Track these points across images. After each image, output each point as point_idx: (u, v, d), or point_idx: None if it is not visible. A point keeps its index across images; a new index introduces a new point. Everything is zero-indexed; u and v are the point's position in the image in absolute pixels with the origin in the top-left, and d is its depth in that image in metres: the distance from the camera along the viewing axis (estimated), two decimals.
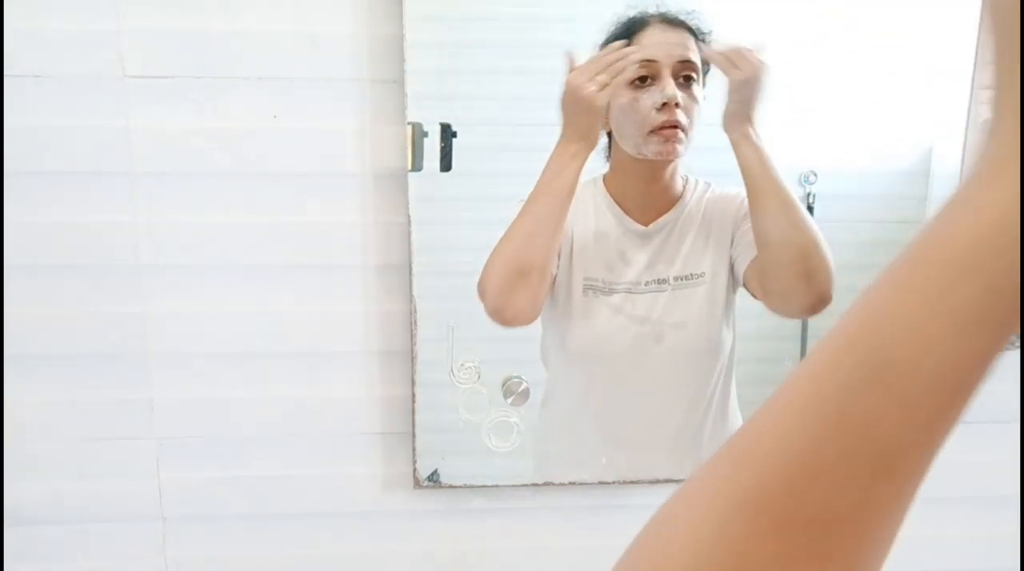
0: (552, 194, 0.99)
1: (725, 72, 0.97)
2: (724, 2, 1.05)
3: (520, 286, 0.99)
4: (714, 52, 0.98)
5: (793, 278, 1.01)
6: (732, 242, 1.07)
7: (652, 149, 1.00)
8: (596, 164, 1.06)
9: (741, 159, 0.99)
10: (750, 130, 0.98)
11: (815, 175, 1.10)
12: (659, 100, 0.98)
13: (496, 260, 1.00)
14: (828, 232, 1.11)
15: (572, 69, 0.97)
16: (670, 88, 0.97)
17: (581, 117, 0.97)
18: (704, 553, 0.28)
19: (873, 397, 0.27)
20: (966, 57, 1.06)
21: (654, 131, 0.99)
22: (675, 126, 0.99)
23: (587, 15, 1.04)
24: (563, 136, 0.99)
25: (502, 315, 1.01)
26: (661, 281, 1.07)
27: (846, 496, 0.27)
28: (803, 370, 0.29)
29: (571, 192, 0.99)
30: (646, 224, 1.07)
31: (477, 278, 1.01)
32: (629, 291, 1.07)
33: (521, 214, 1.00)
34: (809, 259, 1.00)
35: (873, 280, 0.29)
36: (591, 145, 0.98)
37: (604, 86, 0.95)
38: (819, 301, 1.03)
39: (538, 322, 1.10)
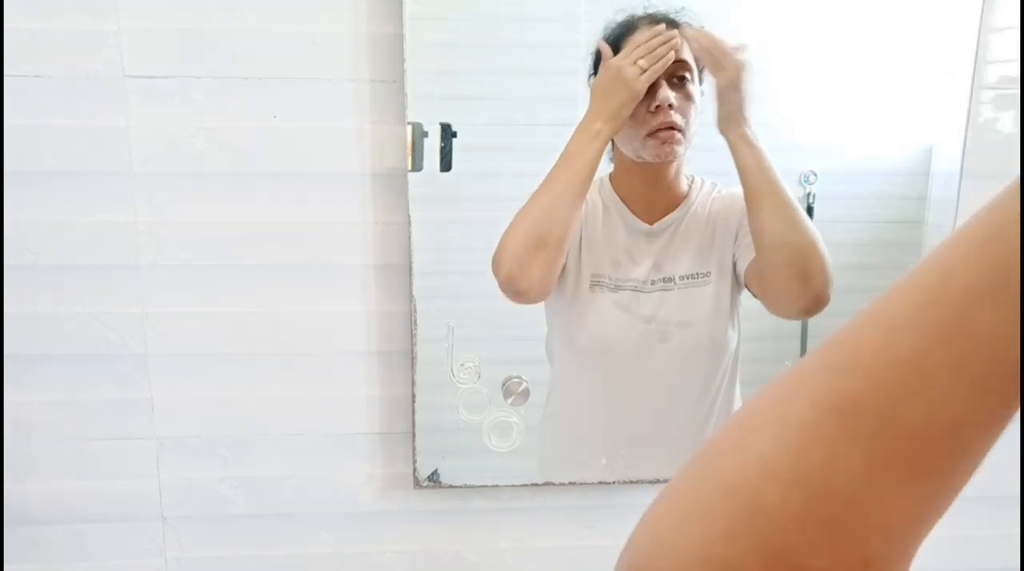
0: (573, 169, 0.99)
1: (712, 72, 0.97)
2: (724, 3, 1.05)
3: (536, 258, 1.00)
4: (701, 48, 0.97)
5: (789, 279, 1.01)
6: (735, 240, 1.07)
7: (650, 152, 1.00)
8: (600, 164, 1.06)
9: (738, 160, 0.99)
10: (746, 130, 0.98)
11: (815, 175, 1.10)
12: (652, 103, 0.98)
13: (514, 231, 1.00)
14: (828, 232, 1.11)
15: (607, 57, 0.98)
16: (662, 91, 0.97)
17: (615, 98, 0.97)
18: (790, 454, 0.27)
19: (998, 304, 0.25)
20: (966, 57, 1.06)
21: (650, 134, 0.99)
22: (671, 128, 0.99)
23: (586, 15, 1.04)
24: (589, 113, 0.99)
25: (515, 285, 1.01)
26: (667, 280, 1.08)
27: (950, 410, 0.26)
28: (919, 278, 0.27)
29: (592, 169, 0.99)
30: (651, 223, 1.07)
31: (477, 278, 1.01)
32: (636, 289, 1.08)
33: (541, 187, 1.00)
34: (806, 260, 1.00)
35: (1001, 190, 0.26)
36: (616, 128, 0.98)
37: (644, 71, 0.96)
38: (816, 302, 1.03)
39: (544, 319, 1.11)
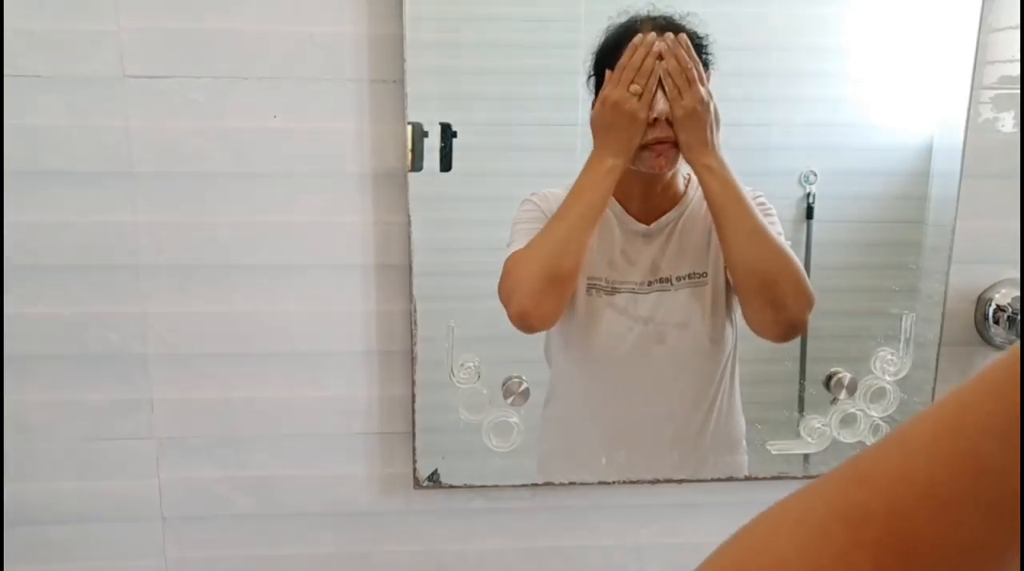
0: (586, 205, 0.99)
1: (669, 99, 0.95)
2: (723, 4, 1.04)
3: (550, 293, 1.00)
4: (667, 71, 0.95)
5: (761, 308, 1.02)
6: None
7: (645, 164, 1.00)
8: None
9: (704, 190, 0.99)
10: (710, 160, 0.97)
11: (815, 175, 1.10)
12: (650, 116, 0.96)
13: (527, 267, 1.00)
14: (828, 232, 1.11)
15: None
16: (660, 103, 0.96)
17: (622, 133, 0.96)
18: (801, 552, 0.29)
19: (1009, 444, 0.26)
20: (966, 57, 1.06)
21: (645, 146, 0.98)
22: (666, 141, 0.98)
23: (587, 15, 1.04)
24: (598, 149, 0.98)
25: (527, 321, 1.01)
26: (664, 281, 1.07)
27: (962, 535, 0.27)
28: (939, 409, 0.29)
29: (604, 203, 0.99)
30: (648, 223, 1.07)
31: (478, 278, 1.01)
32: (633, 291, 1.07)
33: (553, 223, 1.00)
34: (776, 289, 1.00)
35: None
36: (628, 160, 0.98)
37: (641, 95, 0.94)
38: (789, 330, 1.04)
39: None
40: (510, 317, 1.01)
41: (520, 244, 1.02)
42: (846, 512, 0.29)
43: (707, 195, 0.99)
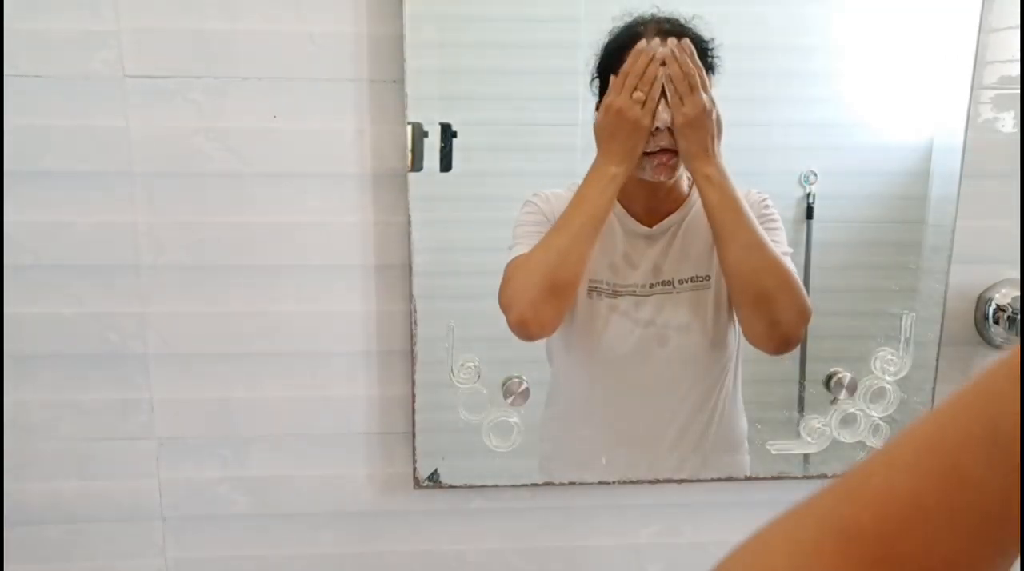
0: (588, 214, 0.98)
1: (672, 105, 0.95)
2: (723, 4, 1.04)
3: (551, 302, 1.00)
4: (670, 77, 0.94)
5: (755, 321, 1.02)
6: None
7: (648, 172, 1.00)
8: None
9: (703, 200, 0.98)
10: (710, 169, 0.96)
11: (815, 175, 1.10)
12: (653, 124, 0.96)
13: (528, 276, 1.00)
14: (828, 232, 1.11)
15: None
16: (663, 113, 0.95)
17: (624, 141, 0.96)
18: (793, 568, 0.30)
19: (989, 458, 0.27)
20: (966, 57, 1.06)
21: (648, 154, 0.98)
22: (669, 150, 0.98)
23: (587, 15, 1.04)
24: (602, 157, 0.97)
25: (527, 329, 1.02)
26: (666, 283, 1.07)
27: (945, 547, 0.28)
28: (921, 426, 0.30)
29: (607, 212, 0.99)
30: (651, 225, 1.06)
31: (478, 278, 1.01)
32: (634, 294, 1.07)
33: (555, 231, 1.00)
34: (772, 303, 1.00)
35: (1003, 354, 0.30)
36: (631, 167, 0.97)
37: (644, 103, 0.94)
38: (783, 344, 1.04)
39: None
40: (509, 325, 1.01)
41: (522, 248, 1.02)
42: (837, 528, 0.30)
43: (705, 205, 0.98)
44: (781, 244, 1.04)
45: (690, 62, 0.94)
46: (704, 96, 0.94)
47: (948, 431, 0.29)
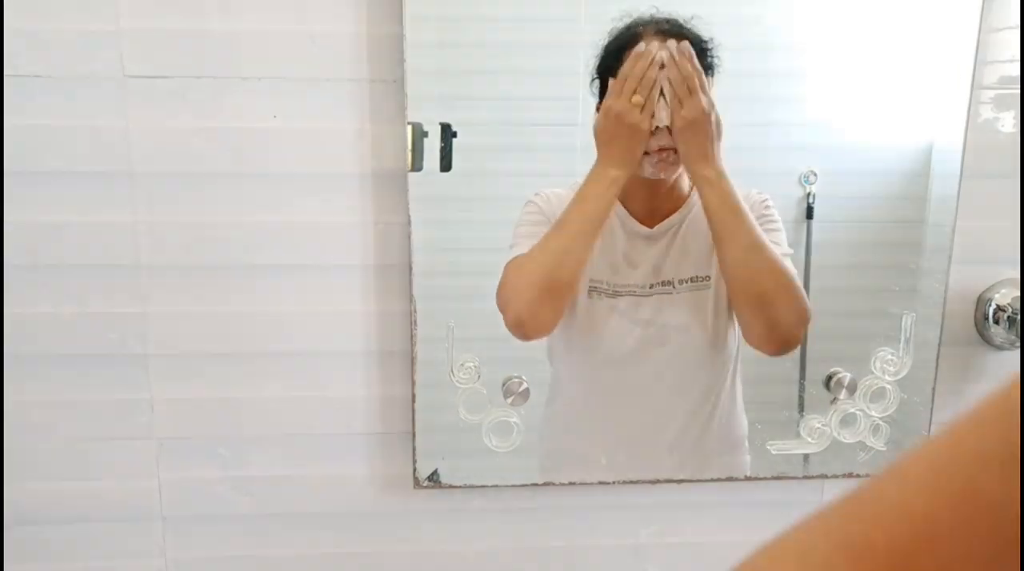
0: (587, 216, 0.99)
1: (671, 107, 0.95)
2: (723, 4, 1.04)
3: (548, 303, 1.01)
4: (669, 79, 0.95)
5: (755, 324, 1.03)
6: None
7: (647, 171, 1.00)
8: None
9: (703, 202, 0.99)
10: (710, 172, 0.97)
11: (815, 175, 1.10)
12: (652, 125, 0.96)
13: (525, 276, 1.00)
14: (828, 232, 1.11)
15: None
16: (662, 113, 0.96)
17: (624, 144, 0.96)
18: None
19: (1005, 475, 0.27)
20: (966, 57, 1.06)
21: (647, 153, 0.99)
22: (668, 149, 0.98)
23: (587, 15, 1.04)
24: (601, 160, 0.98)
25: (524, 329, 1.02)
26: (666, 284, 1.07)
27: (964, 564, 0.27)
28: (935, 442, 0.29)
29: (606, 214, 0.99)
30: (651, 226, 1.06)
31: (477, 278, 1.01)
32: (634, 294, 1.07)
33: (554, 232, 1.00)
34: (769, 306, 1.01)
35: None
36: (632, 170, 0.98)
37: (643, 106, 0.94)
38: (783, 345, 1.05)
39: None
40: (507, 324, 1.02)
41: (522, 248, 1.03)
42: (848, 545, 0.29)
43: (705, 207, 0.99)
44: (781, 245, 1.04)
45: (689, 65, 0.94)
46: (703, 99, 0.95)
47: (964, 448, 0.28)
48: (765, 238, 0.99)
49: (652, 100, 0.95)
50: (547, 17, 1.04)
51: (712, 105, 0.95)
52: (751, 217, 0.99)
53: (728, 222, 0.98)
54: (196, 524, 1.15)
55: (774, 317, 1.01)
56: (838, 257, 1.14)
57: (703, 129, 0.95)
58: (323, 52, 1.02)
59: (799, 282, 1.02)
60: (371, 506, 1.16)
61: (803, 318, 1.02)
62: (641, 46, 0.95)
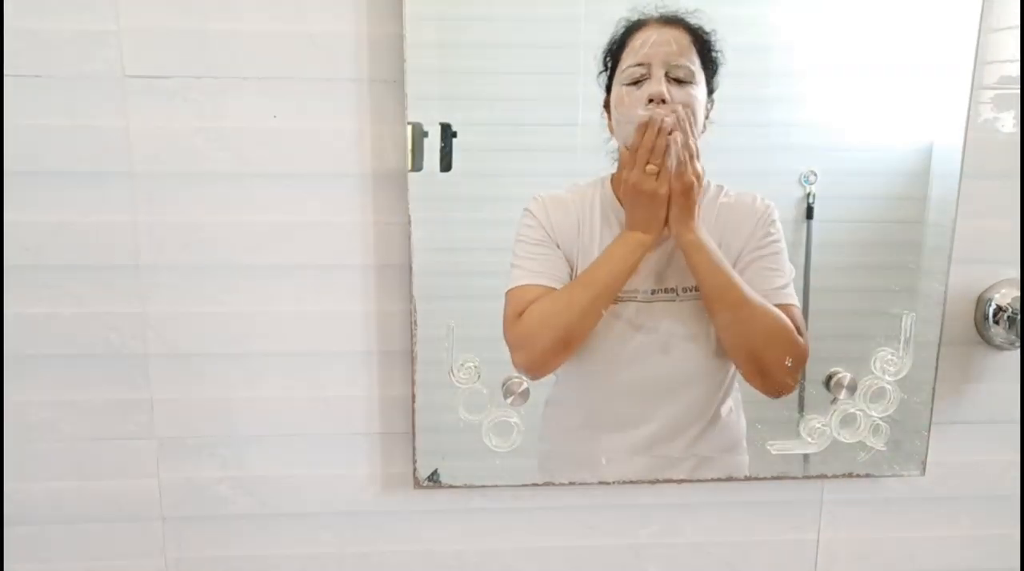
0: (613, 277, 1.03)
1: (674, 175, 0.98)
2: (723, 4, 1.04)
3: (561, 353, 1.06)
4: (681, 142, 0.98)
5: (748, 374, 1.08)
6: (738, 258, 1.06)
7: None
8: (603, 164, 1.06)
9: (690, 264, 1.03)
10: (694, 236, 1.01)
11: (815, 175, 1.10)
12: (644, 96, 0.99)
13: (549, 329, 1.04)
14: (828, 232, 1.11)
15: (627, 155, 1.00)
16: (656, 86, 0.98)
17: (644, 210, 1.00)
18: None
19: None
20: (966, 57, 1.06)
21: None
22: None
23: (587, 15, 1.04)
24: (629, 223, 1.02)
25: (532, 373, 1.08)
26: (670, 291, 1.07)
27: None
28: None
29: (629, 275, 1.03)
30: None
31: (478, 278, 1.01)
32: (636, 301, 1.07)
33: (580, 289, 1.04)
34: (760, 360, 1.06)
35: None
36: (658, 234, 1.02)
37: (658, 174, 0.98)
38: (777, 392, 1.09)
39: None
40: (514, 363, 1.06)
41: (523, 273, 1.05)
42: None
43: (693, 269, 1.03)
44: (780, 273, 1.07)
45: (690, 130, 0.98)
46: (698, 165, 0.99)
47: None
48: (753, 294, 1.03)
49: (666, 168, 0.98)
50: (547, 17, 1.04)
51: (703, 171, 0.99)
52: (736, 276, 1.03)
53: (718, 283, 1.02)
54: (196, 524, 1.15)
55: (766, 369, 1.06)
56: (838, 257, 1.14)
57: (693, 195, 0.99)
58: (323, 52, 1.02)
59: (791, 326, 1.05)
60: (371, 506, 1.16)
61: (798, 363, 1.07)
62: (647, 115, 0.97)
